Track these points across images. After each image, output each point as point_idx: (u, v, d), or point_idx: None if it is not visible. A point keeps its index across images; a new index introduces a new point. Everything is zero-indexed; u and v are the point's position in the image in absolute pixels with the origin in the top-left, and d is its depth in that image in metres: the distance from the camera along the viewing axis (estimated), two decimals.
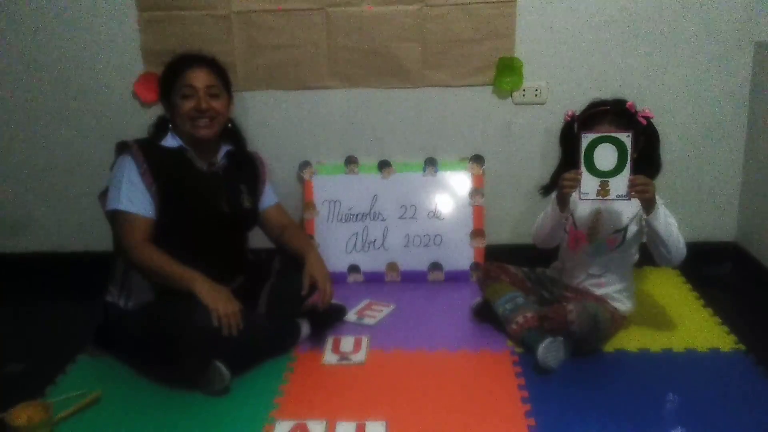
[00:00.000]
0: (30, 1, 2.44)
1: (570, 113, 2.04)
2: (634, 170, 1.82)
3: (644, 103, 2.45)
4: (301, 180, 2.59)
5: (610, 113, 1.94)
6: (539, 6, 2.38)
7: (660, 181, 2.53)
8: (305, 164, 2.58)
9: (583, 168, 1.80)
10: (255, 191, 2.14)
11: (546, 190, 2.11)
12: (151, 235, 1.88)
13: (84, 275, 2.38)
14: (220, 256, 1.98)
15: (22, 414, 1.68)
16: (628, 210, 2.00)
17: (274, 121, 2.56)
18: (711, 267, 2.57)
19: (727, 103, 2.47)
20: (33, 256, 2.71)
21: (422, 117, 2.54)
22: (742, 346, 2.01)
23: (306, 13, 2.42)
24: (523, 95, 2.48)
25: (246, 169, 2.13)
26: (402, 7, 2.40)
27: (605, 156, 1.80)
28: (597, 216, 2.03)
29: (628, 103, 1.96)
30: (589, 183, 1.77)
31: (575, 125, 1.97)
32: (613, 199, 1.79)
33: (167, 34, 2.45)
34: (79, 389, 1.85)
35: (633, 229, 2.01)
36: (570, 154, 1.93)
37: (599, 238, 2.02)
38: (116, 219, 1.89)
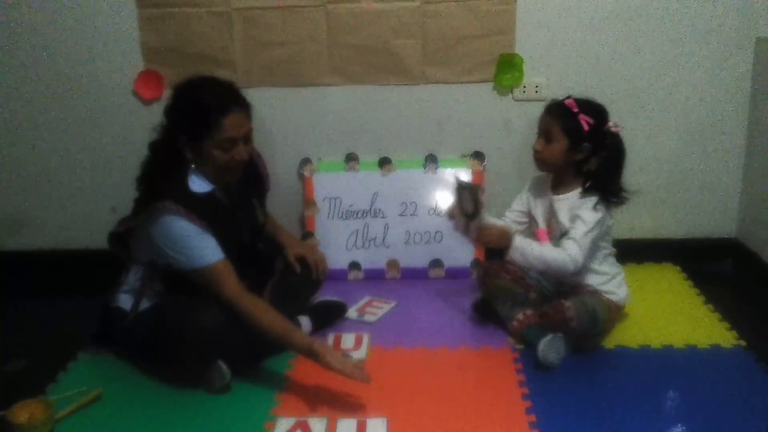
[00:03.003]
0: None
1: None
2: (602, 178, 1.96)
3: (644, 100, 2.47)
4: (302, 177, 2.59)
5: (559, 107, 1.98)
6: (539, 2, 2.38)
7: (661, 178, 2.55)
8: (305, 161, 2.58)
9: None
10: (264, 194, 2.12)
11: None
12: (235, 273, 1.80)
13: (85, 273, 2.39)
14: (243, 274, 1.94)
15: (23, 412, 1.68)
16: (568, 215, 2.00)
17: (274, 118, 2.55)
18: (712, 263, 2.57)
19: (727, 100, 2.46)
20: (34, 253, 2.70)
21: (423, 114, 2.54)
22: (742, 343, 2.01)
23: (306, 10, 2.42)
24: (524, 92, 2.48)
25: (253, 178, 2.05)
26: (402, 3, 2.39)
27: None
28: (550, 211, 2.06)
29: (567, 101, 1.97)
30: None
31: None
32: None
33: (167, 32, 2.45)
34: (80, 387, 1.85)
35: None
36: None
37: (555, 235, 2.03)
38: (205, 275, 1.78)
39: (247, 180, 1.98)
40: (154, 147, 1.90)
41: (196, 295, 1.80)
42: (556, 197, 2.05)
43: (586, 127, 1.92)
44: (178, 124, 1.83)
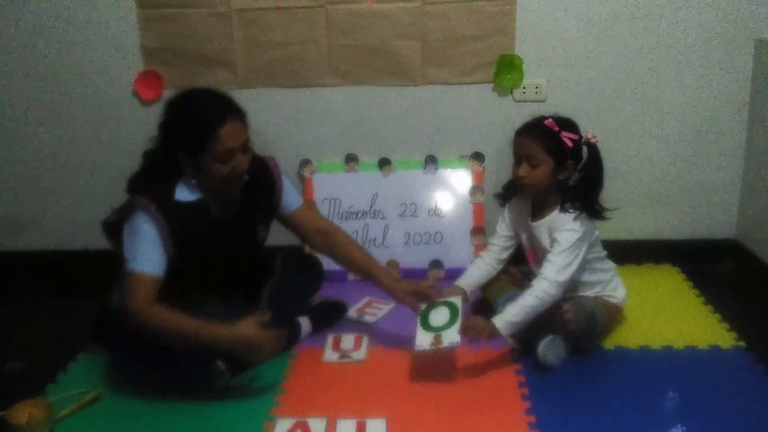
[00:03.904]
0: None
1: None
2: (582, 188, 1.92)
3: (644, 101, 2.47)
4: (302, 178, 2.59)
5: (532, 127, 1.92)
6: (539, 3, 2.38)
7: (661, 179, 2.55)
8: (305, 162, 2.58)
9: (418, 325, 1.90)
10: (273, 207, 2.01)
11: (501, 197, 2.10)
12: (157, 293, 1.74)
13: (85, 273, 2.39)
14: (236, 284, 1.95)
15: (23, 412, 1.68)
16: (549, 239, 1.96)
17: (274, 118, 2.55)
18: (711, 264, 2.57)
19: (727, 101, 2.46)
20: (34, 254, 2.70)
21: (422, 114, 2.54)
22: (742, 344, 2.01)
23: (306, 11, 2.42)
24: (524, 93, 2.48)
25: (262, 189, 1.97)
26: (402, 4, 2.40)
27: (439, 315, 1.92)
28: (531, 236, 2.02)
29: (547, 121, 1.89)
30: (422, 337, 1.87)
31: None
32: (447, 347, 1.84)
33: (167, 32, 2.45)
34: (80, 388, 1.85)
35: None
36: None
37: (543, 256, 1.96)
38: (126, 277, 1.74)
39: (252, 194, 1.91)
40: (148, 157, 1.86)
41: (191, 294, 1.79)
42: (534, 224, 1.99)
43: (570, 144, 1.87)
44: (174, 140, 1.78)
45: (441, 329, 1.85)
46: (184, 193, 1.79)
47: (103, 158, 2.58)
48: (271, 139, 2.55)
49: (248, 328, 1.71)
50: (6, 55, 2.51)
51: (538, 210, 2.00)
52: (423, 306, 1.95)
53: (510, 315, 1.84)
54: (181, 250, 1.77)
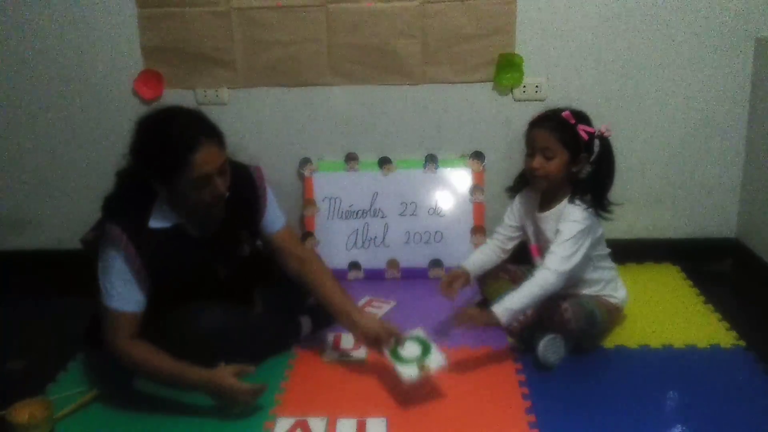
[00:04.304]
0: None
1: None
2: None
3: (644, 99, 2.47)
4: (302, 177, 2.59)
5: (547, 119, 1.91)
6: (540, 2, 2.38)
7: (661, 178, 2.55)
8: (305, 161, 2.58)
9: (394, 363, 1.78)
10: (256, 220, 1.92)
11: (512, 190, 2.11)
12: (138, 327, 1.72)
13: (85, 273, 2.38)
14: (227, 294, 1.89)
15: (23, 412, 1.69)
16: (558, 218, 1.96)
17: (274, 117, 2.55)
18: (711, 263, 2.57)
19: (727, 100, 2.46)
20: (34, 253, 2.71)
21: (422, 113, 2.54)
22: (742, 343, 2.01)
23: (306, 10, 2.42)
24: (524, 91, 2.48)
25: (244, 202, 1.85)
26: (402, 3, 2.39)
27: (410, 348, 1.83)
28: (537, 227, 2.03)
29: (564, 113, 1.89)
30: (407, 369, 1.76)
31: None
32: (435, 370, 1.78)
33: (167, 31, 2.45)
34: (80, 387, 1.86)
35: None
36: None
37: (547, 248, 1.96)
38: (104, 313, 1.71)
39: (235, 208, 1.79)
40: (122, 178, 1.77)
41: (186, 301, 1.78)
42: (541, 215, 2.00)
43: (585, 137, 1.88)
44: (145, 165, 1.67)
45: (421, 359, 1.79)
46: (158, 219, 1.71)
47: (103, 157, 2.58)
48: (271, 138, 2.56)
49: (225, 378, 1.68)
50: (6, 55, 2.51)
51: (547, 201, 2.00)
52: (388, 349, 1.81)
53: (509, 302, 1.83)
54: (159, 278, 1.71)
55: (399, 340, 1.82)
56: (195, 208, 1.71)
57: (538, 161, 1.90)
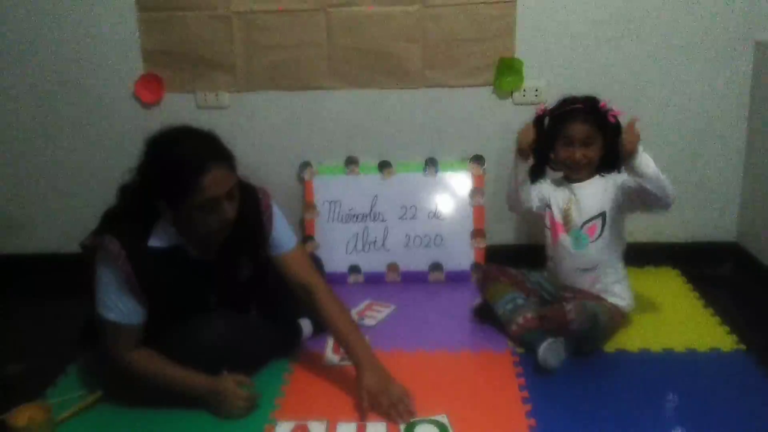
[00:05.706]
0: (29, 1, 2.44)
1: (542, 107, 2.11)
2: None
3: (644, 103, 2.47)
4: (302, 180, 2.59)
5: (582, 112, 2.02)
6: (539, 6, 2.38)
7: None
8: (305, 165, 2.58)
9: None
10: (259, 245, 1.85)
11: (533, 173, 2.17)
12: (140, 336, 1.71)
13: (82, 276, 2.38)
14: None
15: (22, 415, 1.68)
16: (602, 195, 2.04)
17: (274, 121, 2.56)
18: (712, 267, 2.57)
19: (727, 103, 2.47)
20: (33, 256, 2.71)
21: (422, 117, 2.54)
22: (742, 346, 2.01)
23: (306, 14, 2.42)
24: (524, 95, 2.48)
25: (248, 227, 1.79)
26: (402, 7, 2.40)
27: (428, 430, 1.67)
28: (569, 202, 2.08)
29: (602, 103, 2.02)
30: None
31: (546, 119, 2.09)
32: None
33: (168, 35, 2.45)
34: (80, 391, 1.85)
35: (612, 213, 2.03)
36: (541, 144, 2.09)
37: (574, 226, 2.04)
38: (102, 325, 1.69)
39: (238, 233, 1.73)
40: (125, 194, 1.73)
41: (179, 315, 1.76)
42: (576, 185, 2.08)
43: (613, 121, 2.00)
44: (152, 187, 1.63)
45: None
46: (159, 239, 1.67)
47: (102, 161, 2.58)
48: (272, 141, 2.56)
49: (226, 382, 1.72)
50: (6, 58, 2.51)
51: (574, 180, 2.10)
52: (402, 424, 1.67)
53: (649, 158, 1.86)
54: (150, 297, 1.68)
55: (416, 420, 1.68)
56: (200, 233, 1.67)
57: (581, 152, 2.03)
